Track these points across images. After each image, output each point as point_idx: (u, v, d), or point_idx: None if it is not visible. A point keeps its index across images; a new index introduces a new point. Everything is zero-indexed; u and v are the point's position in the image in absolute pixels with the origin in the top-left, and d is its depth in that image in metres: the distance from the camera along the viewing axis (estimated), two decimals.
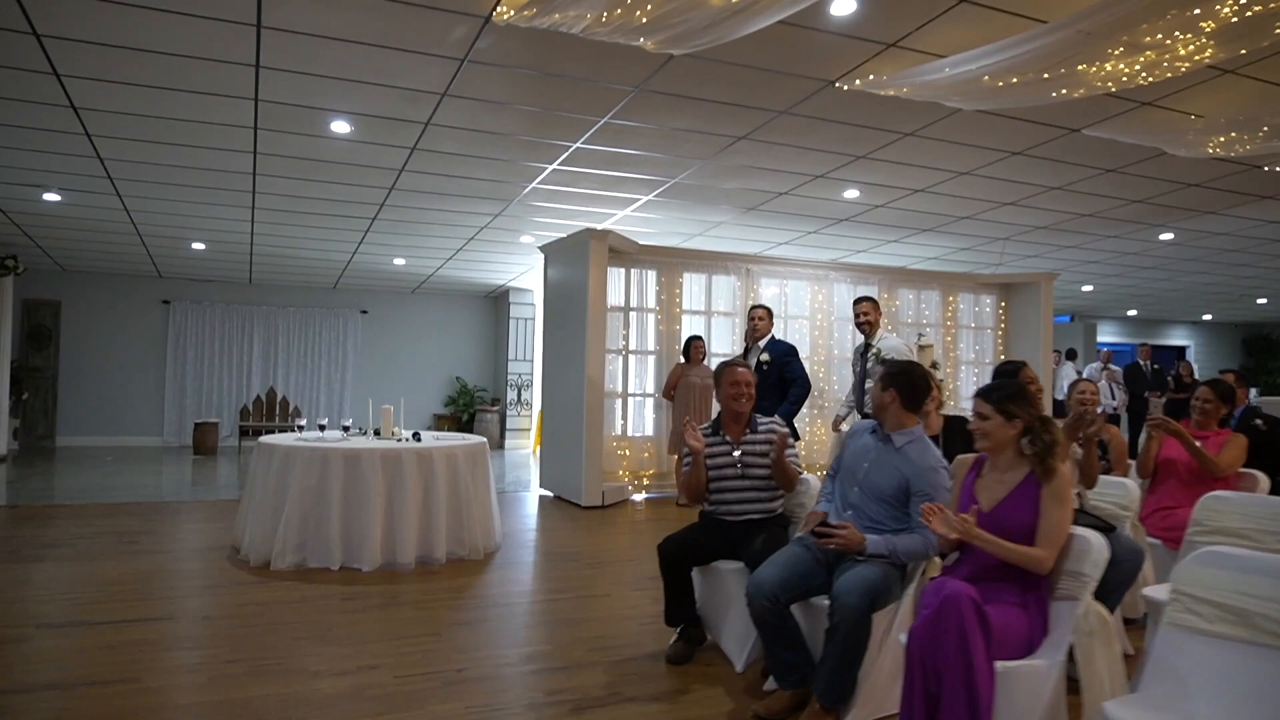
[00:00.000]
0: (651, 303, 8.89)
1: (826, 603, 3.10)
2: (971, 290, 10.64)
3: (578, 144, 6.97)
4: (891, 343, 6.40)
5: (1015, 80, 5.20)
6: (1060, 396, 12.26)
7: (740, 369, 3.83)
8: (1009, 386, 2.83)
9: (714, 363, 8.57)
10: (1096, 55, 4.75)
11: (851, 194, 8.54)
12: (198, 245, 11.21)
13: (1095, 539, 2.54)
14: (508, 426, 14.78)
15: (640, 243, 8.99)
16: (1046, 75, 5.09)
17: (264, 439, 5.80)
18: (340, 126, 6.54)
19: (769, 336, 6.96)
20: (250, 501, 5.66)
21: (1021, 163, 7.49)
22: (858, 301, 6.59)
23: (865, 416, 5.38)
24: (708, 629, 3.80)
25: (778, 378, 6.59)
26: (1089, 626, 2.39)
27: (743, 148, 7.10)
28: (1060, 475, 2.61)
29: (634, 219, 9.49)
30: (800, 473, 3.81)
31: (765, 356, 6.67)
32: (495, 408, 14.92)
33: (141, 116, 6.31)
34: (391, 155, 7.25)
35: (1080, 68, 4.91)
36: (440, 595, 4.79)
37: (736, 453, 3.75)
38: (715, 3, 4.03)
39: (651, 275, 8.86)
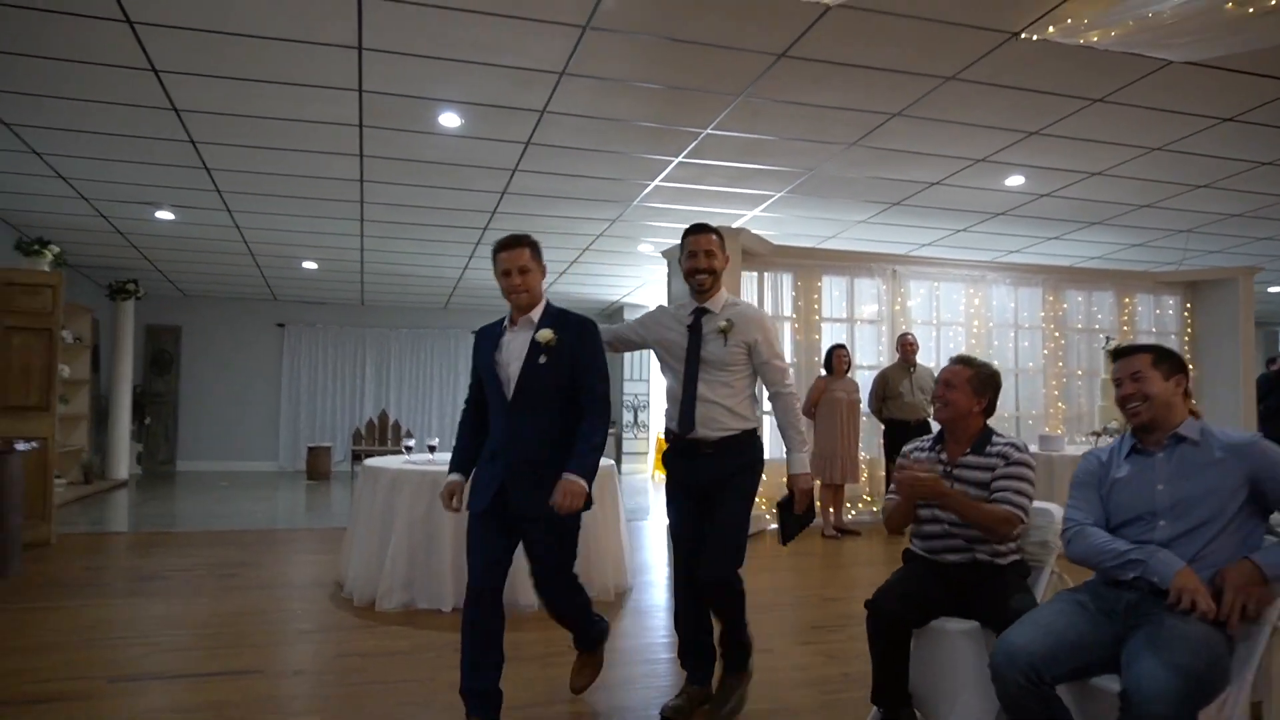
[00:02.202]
0: (788, 310, 8.03)
1: (1116, 686, 2.18)
2: (1150, 290, 9.33)
3: (708, 130, 6.21)
4: (750, 312, 3.28)
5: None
6: None
7: (953, 366, 2.94)
8: None
9: (860, 375, 7.63)
10: None
11: (1015, 181, 7.51)
12: (309, 264, 11.00)
13: None
14: (624, 450, 14.08)
15: (775, 243, 8.14)
16: None
17: (369, 462, 5.20)
18: (449, 119, 5.97)
19: (543, 304, 3.12)
20: (355, 532, 5.05)
21: (1231, 132, 6.33)
22: (696, 232, 3.26)
23: (676, 436, 3.24)
24: (918, 705, 2.88)
25: (569, 381, 3.03)
26: None
27: (896, 127, 6.20)
28: None
29: (762, 220, 8.66)
30: (1014, 511, 2.74)
31: (548, 336, 3.00)
32: (611, 430, 14.27)
33: (243, 117, 5.90)
34: (504, 152, 6.66)
35: None
36: (570, 647, 4.03)
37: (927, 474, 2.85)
38: None
39: (787, 279, 8.01)
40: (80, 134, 6.23)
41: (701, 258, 3.21)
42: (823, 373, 7.51)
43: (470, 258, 10.59)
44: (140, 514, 8.77)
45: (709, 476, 3.15)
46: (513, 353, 3.05)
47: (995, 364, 8.14)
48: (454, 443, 3.28)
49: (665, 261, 8.68)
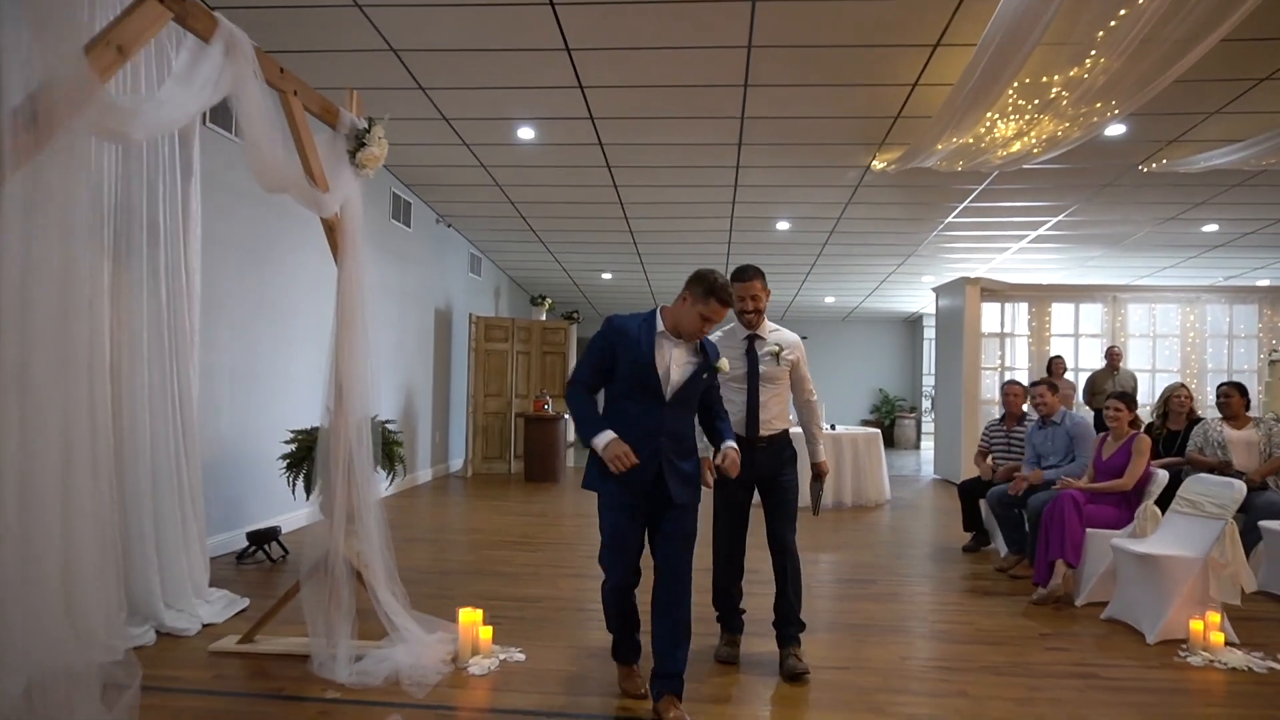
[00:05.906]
0: (1023, 329, 10.96)
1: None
2: None
3: (948, 219, 9.59)
4: (790, 338, 3.98)
5: (1271, 160, 6.78)
6: None
7: (1010, 383, 6.36)
8: (1129, 395, 5.16)
9: (1077, 378, 10.40)
10: None
11: (1211, 228, 9.77)
12: None
13: (1160, 474, 4.83)
14: (922, 430, 17.25)
15: (1012, 281, 11.12)
16: None
17: None
18: (782, 225, 10.03)
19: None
20: None
21: None
22: (742, 280, 3.86)
23: (746, 438, 3.69)
24: (991, 536, 6.39)
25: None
26: (1145, 515, 4.68)
27: (1082, 209, 9.08)
28: (1139, 440, 4.92)
29: (1015, 259, 11.61)
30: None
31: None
32: (912, 414, 17.51)
33: (663, 232, 10.47)
34: (817, 237, 10.58)
35: None
36: (845, 522, 7.88)
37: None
38: (995, 160, 6.59)
39: (1023, 307, 10.93)
40: (573, 244, 11.23)
41: (749, 301, 3.79)
42: (1045, 375, 10.35)
43: (799, 289, 14.60)
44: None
45: (765, 466, 3.76)
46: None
47: (1209, 367, 10.68)
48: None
49: (934, 294, 11.98)
